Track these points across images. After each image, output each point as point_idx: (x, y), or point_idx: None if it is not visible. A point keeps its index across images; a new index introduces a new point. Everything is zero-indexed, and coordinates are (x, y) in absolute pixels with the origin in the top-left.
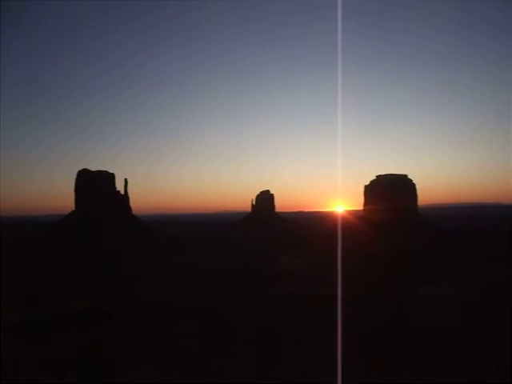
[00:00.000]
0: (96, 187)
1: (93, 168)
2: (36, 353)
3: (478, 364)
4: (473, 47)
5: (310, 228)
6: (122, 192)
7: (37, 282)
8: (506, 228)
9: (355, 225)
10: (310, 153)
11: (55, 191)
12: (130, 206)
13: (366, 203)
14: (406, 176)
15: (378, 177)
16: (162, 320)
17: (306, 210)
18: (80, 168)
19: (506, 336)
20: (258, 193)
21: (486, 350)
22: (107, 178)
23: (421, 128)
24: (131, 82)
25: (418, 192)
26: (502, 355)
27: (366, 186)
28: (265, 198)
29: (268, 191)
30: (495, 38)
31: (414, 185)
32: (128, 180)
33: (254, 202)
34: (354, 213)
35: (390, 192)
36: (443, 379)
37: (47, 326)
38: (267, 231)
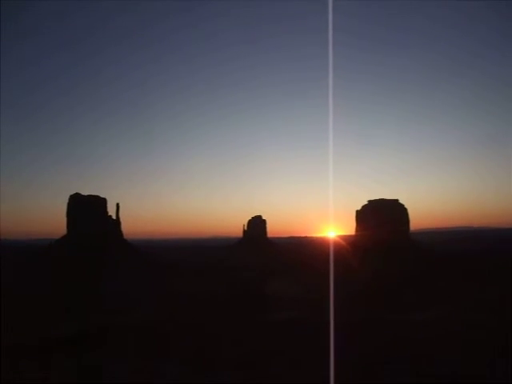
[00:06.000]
0: (88, 212)
1: (84, 192)
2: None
3: None
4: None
5: (302, 254)
6: (114, 217)
7: (27, 306)
8: (497, 250)
9: (347, 250)
10: (301, 177)
11: (46, 216)
12: (121, 231)
13: (357, 228)
14: (397, 200)
15: (370, 202)
16: (153, 346)
17: (298, 235)
18: (72, 192)
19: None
20: (250, 218)
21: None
22: (99, 202)
23: (413, 151)
24: (122, 106)
25: (410, 216)
26: None
27: (357, 211)
28: (256, 224)
29: (260, 216)
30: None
31: (405, 209)
32: (120, 204)
33: (245, 228)
34: (346, 238)
35: (381, 217)
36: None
37: (34, 350)
38: (259, 257)
